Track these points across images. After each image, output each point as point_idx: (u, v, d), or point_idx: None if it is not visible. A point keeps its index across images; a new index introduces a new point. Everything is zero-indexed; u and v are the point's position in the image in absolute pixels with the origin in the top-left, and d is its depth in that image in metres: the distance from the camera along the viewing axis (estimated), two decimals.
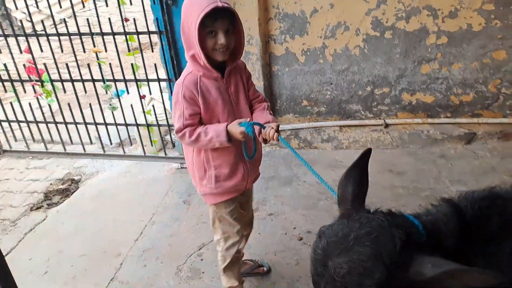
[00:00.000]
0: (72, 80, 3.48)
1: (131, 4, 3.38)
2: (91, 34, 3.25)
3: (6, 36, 3.46)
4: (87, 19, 3.25)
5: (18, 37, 3.43)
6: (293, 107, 3.86)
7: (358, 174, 1.27)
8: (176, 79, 3.26)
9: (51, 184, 3.73)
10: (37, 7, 3.40)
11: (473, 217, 1.12)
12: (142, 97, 3.49)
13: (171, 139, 3.91)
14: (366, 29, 3.43)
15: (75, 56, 3.40)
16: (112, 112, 3.58)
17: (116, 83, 3.46)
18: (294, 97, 3.82)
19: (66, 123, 3.72)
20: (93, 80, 3.45)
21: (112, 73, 3.45)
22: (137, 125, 3.61)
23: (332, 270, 1.03)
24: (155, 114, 3.57)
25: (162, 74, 3.37)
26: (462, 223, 1.10)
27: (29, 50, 3.37)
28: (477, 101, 3.52)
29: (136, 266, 2.60)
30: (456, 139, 3.53)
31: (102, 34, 3.26)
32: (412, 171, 3.30)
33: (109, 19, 3.23)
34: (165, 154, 3.69)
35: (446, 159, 3.39)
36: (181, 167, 3.65)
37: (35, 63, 3.44)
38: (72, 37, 3.33)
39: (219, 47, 1.65)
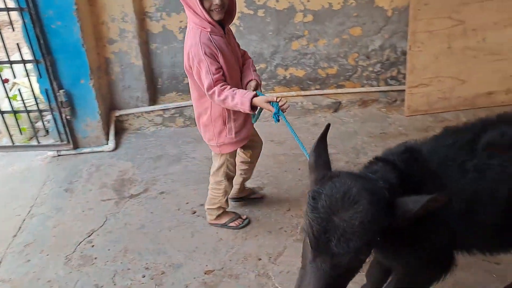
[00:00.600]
0: None
1: None
2: None
3: None
4: None
5: None
6: (175, 85, 3.86)
7: (325, 144, 1.42)
8: (44, 60, 3.01)
9: None
10: None
11: (404, 166, 1.39)
12: (4, 81, 3.13)
13: (44, 125, 3.59)
14: (240, 7, 3.58)
15: None
16: None
17: None
18: (176, 75, 3.82)
19: None
20: None
21: None
22: (1, 112, 3.23)
23: (344, 224, 1.15)
24: (22, 99, 3.24)
25: (28, 56, 3.07)
26: (400, 173, 1.37)
27: None
28: (340, 73, 3.97)
29: (18, 263, 2.41)
30: (326, 108, 3.94)
31: None
32: (291, 140, 3.59)
33: None
34: (38, 142, 3.39)
35: (318, 127, 3.78)
36: (58, 155, 3.40)
37: None
38: None
39: (214, 7, 1.91)
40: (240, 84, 2.19)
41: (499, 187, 1.40)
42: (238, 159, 2.54)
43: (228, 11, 2.03)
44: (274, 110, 1.94)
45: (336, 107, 3.96)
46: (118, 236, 2.63)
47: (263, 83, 3.92)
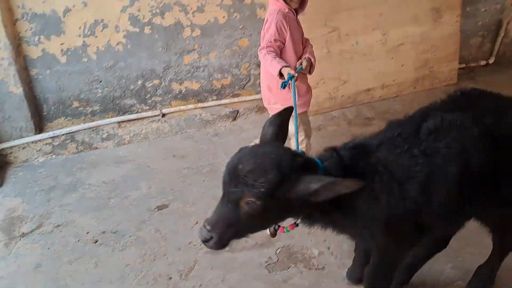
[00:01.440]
0: None
1: None
2: None
3: None
4: None
5: None
6: (63, 110, 3.64)
7: (280, 122, 1.61)
8: None
9: None
10: None
11: (349, 159, 1.56)
12: None
13: None
14: (125, 26, 3.52)
15: None
16: None
17: None
18: (63, 100, 3.61)
19: None
20: None
21: None
22: None
23: (239, 169, 1.38)
24: None
25: None
26: (344, 166, 1.54)
27: None
28: (235, 83, 4.09)
29: None
30: (225, 118, 4.03)
31: None
32: (193, 152, 3.62)
33: None
34: None
35: (219, 137, 3.85)
36: None
37: None
38: None
39: None
40: (299, 57, 2.70)
41: (448, 166, 1.55)
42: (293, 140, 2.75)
43: (301, 3, 2.68)
44: (285, 78, 2.37)
45: (235, 115, 4.07)
46: (11, 281, 2.40)
47: (158, 98, 3.89)
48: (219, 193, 1.50)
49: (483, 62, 4.81)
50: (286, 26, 2.56)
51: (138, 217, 2.88)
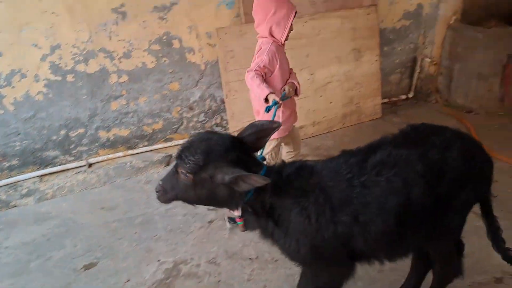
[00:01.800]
0: None
1: None
2: None
3: None
4: None
5: None
6: None
7: (258, 127, 1.75)
8: None
9: None
10: None
11: (290, 174, 1.71)
12: None
13: None
14: (45, 75, 3.36)
15: None
16: None
17: None
18: None
19: None
20: None
21: None
22: None
23: (184, 145, 1.65)
24: None
25: None
26: (281, 175, 1.71)
27: None
28: (167, 127, 4.02)
29: None
30: (157, 164, 3.91)
31: None
32: (124, 203, 3.45)
33: None
34: None
35: (152, 184, 3.71)
36: None
37: None
38: None
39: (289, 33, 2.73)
40: (285, 83, 2.84)
41: (387, 200, 1.64)
42: (284, 152, 3.15)
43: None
44: (270, 103, 2.51)
45: (168, 160, 3.97)
46: None
47: (84, 148, 3.70)
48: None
49: (403, 97, 5.16)
50: (277, 58, 2.74)
51: (63, 279, 2.65)
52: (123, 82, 3.67)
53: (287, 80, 2.88)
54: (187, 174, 1.60)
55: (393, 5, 4.70)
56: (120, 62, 3.60)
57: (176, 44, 3.76)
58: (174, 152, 4.03)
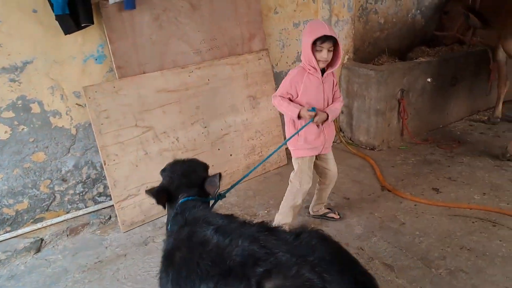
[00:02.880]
0: None
1: None
2: None
3: None
4: None
5: None
6: None
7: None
8: None
9: None
10: None
11: (185, 209, 1.84)
12: None
13: None
14: None
15: None
16: None
17: None
18: None
19: None
20: None
21: None
22: None
23: None
24: None
25: None
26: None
27: None
28: (35, 205, 3.35)
29: None
30: (24, 252, 3.21)
31: None
32: None
33: None
34: None
35: (16, 279, 2.99)
36: None
37: None
38: None
39: (320, 59, 2.73)
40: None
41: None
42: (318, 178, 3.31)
43: (330, 63, 2.80)
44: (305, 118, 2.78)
45: (38, 245, 3.28)
46: None
47: None
48: None
49: None
50: (299, 83, 2.82)
51: None
52: None
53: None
54: None
55: (285, 48, 4.57)
56: None
57: (35, 109, 3.19)
58: (46, 234, 3.37)
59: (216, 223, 1.63)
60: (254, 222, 1.66)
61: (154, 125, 3.59)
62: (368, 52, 5.48)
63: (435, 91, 5.12)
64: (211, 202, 2.06)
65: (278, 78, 4.54)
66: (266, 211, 3.67)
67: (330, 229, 3.33)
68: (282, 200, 3.21)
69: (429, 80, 4.94)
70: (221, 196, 2.16)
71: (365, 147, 4.84)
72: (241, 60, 4.09)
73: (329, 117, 2.86)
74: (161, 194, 1.97)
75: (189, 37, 3.78)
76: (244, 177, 2.62)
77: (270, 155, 2.88)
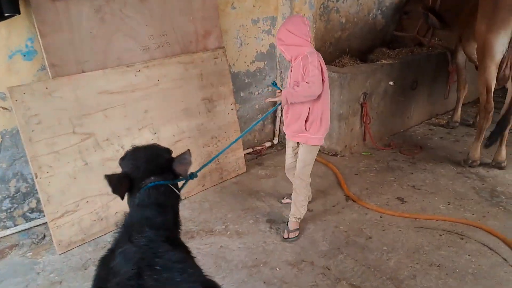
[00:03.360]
0: None
1: None
2: None
3: None
4: None
5: None
6: None
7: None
8: None
9: None
10: None
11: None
12: None
13: None
14: None
15: None
16: None
17: None
18: None
19: None
20: None
21: None
22: None
23: None
24: None
25: None
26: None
27: None
28: None
29: None
30: None
31: None
32: None
33: None
34: None
35: None
36: None
37: None
38: None
39: None
40: None
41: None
42: None
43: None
44: None
45: None
46: None
47: None
48: None
49: (268, 144, 4.71)
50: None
51: None
52: None
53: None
54: None
55: (243, 46, 4.25)
56: None
57: None
58: None
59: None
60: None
61: (95, 132, 3.16)
62: (329, 52, 5.28)
63: (396, 95, 5.00)
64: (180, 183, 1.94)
65: (235, 79, 4.22)
66: (223, 226, 3.34)
67: (295, 246, 3.06)
68: (241, 212, 2.91)
69: (391, 83, 4.81)
70: (193, 175, 2.09)
71: (327, 153, 4.63)
72: (195, 58, 3.72)
73: (285, 98, 2.81)
74: (123, 181, 1.73)
75: (136, 32, 3.36)
76: (219, 154, 2.80)
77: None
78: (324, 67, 2.85)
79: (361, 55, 5.61)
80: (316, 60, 2.75)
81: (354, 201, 3.67)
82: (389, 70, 4.78)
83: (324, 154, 4.62)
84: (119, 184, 1.71)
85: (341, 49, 5.43)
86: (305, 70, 2.79)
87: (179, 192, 1.90)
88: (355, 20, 5.52)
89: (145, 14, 3.39)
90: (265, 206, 3.61)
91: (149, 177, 1.75)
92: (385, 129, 5.07)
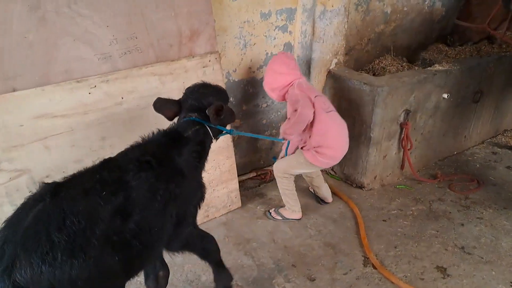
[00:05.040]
0: None
1: None
2: None
3: None
4: None
5: None
6: None
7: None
8: None
9: None
10: None
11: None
12: None
13: None
14: None
15: None
16: None
17: None
18: None
19: None
20: None
21: None
22: None
23: None
24: None
25: None
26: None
27: None
28: None
29: None
30: None
31: None
32: None
33: None
34: None
35: None
36: None
37: None
38: None
39: None
40: None
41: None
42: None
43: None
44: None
45: None
46: None
47: None
48: None
49: None
50: None
51: None
52: None
53: None
54: None
55: (248, 48, 3.33)
56: None
57: None
58: None
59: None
60: None
61: (30, 167, 2.45)
62: (367, 51, 4.19)
63: (451, 109, 3.87)
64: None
65: (236, 89, 3.34)
66: None
67: None
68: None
69: (445, 96, 3.67)
70: (232, 131, 2.39)
71: (350, 183, 3.66)
72: (175, 68, 2.87)
73: (282, 135, 2.93)
74: (170, 105, 2.16)
75: (92, 36, 2.55)
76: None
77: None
78: (315, 93, 2.92)
79: (409, 54, 4.47)
80: (296, 88, 2.87)
81: (375, 267, 2.72)
82: (443, 78, 3.64)
83: (345, 185, 3.65)
84: (166, 105, 2.14)
85: (383, 47, 4.31)
86: (291, 104, 2.91)
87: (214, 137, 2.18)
88: (405, 9, 4.34)
89: (104, 11, 2.56)
90: (252, 266, 2.76)
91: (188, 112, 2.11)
92: (432, 153, 3.97)
